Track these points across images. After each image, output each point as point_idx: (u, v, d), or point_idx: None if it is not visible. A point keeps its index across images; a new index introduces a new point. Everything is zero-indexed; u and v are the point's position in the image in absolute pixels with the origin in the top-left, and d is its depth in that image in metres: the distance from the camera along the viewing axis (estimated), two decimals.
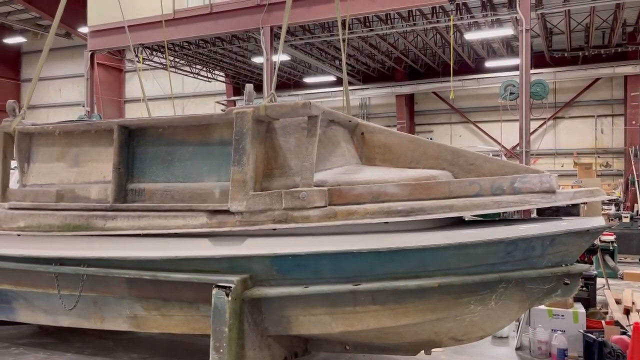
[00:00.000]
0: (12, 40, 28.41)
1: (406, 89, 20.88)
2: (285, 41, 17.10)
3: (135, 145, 4.30)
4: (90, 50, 16.98)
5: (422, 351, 4.09)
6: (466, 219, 4.40)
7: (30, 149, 4.75)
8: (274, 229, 3.71)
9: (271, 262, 3.73)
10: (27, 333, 5.55)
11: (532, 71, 13.14)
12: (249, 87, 4.01)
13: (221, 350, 3.63)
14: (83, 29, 20.88)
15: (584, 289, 5.73)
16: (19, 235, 4.47)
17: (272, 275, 3.77)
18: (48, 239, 4.38)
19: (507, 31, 16.50)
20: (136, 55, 16.56)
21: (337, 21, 5.94)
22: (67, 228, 4.24)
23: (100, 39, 16.71)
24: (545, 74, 18.07)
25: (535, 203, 3.45)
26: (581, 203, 3.65)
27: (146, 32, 15.15)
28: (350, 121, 4.46)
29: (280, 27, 15.58)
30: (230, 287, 3.64)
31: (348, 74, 17.27)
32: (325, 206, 3.60)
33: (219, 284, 3.68)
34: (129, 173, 4.26)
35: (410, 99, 21.71)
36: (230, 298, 3.62)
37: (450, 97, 15.86)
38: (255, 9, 14.12)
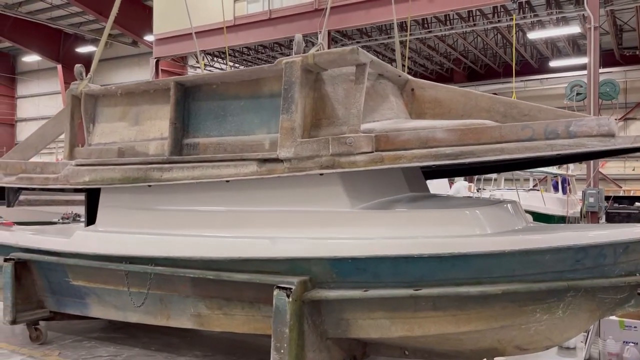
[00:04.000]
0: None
1: None
2: (342, 44, 17.18)
3: (191, 102, 4.47)
4: (155, 57, 17.71)
5: (484, 359, 3.99)
6: (531, 224, 4.27)
7: (95, 110, 5.05)
8: (321, 174, 3.74)
9: (331, 264, 3.75)
10: (97, 327, 5.84)
11: (601, 70, 12.59)
12: (299, 37, 4.08)
13: (282, 351, 3.67)
14: (149, 37, 21.80)
15: None
16: (84, 188, 4.82)
17: (332, 278, 3.79)
18: (119, 237, 4.61)
19: (574, 29, 15.88)
20: (197, 62, 17.12)
21: (395, 23, 5.90)
22: (127, 180, 4.49)
23: (164, 47, 17.39)
24: (615, 73, 17.28)
25: (592, 146, 3.23)
26: None
27: (207, 38, 15.62)
28: (400, 76, 4.43)
29: (338, 31, 15.65)
30: (290, 288, 3.69)
31: None
32: (372, 152, 3.59)
33: (280, 285, 3.73)
34: (184, 128, 4.45)
35: None
36: (291, 299, 3.66)
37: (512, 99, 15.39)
38: (314, 13, 14.26)
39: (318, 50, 3.90)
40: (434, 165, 3.50)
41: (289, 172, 3.83)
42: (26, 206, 6.31)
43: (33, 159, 5.69)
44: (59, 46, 30.32)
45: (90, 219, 5.30)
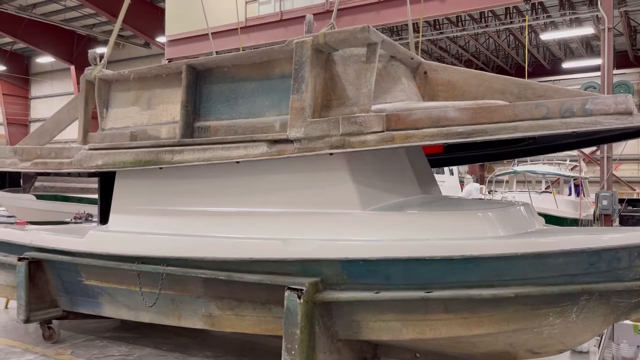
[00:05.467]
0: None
1: None
2: None
3: (202, 85, 4.50)
4: (167, 58, 17.82)
5: None
6: (544, 227, 4.24)
7: (108, 95, 5.10)
8: (331, 154, 3.73)
9: (342, 266, 3.75)
10: (110, 327, 5.88)
11: (615, 71, 12.47)
12: (309, 17, 4.06)
13: (293, 352, 3.68)
14: (161, 39, 21.94)
15: None
16: (96, 172, 4.84)
17: (343, 280, 3.79)
18: (132, 238, 4.64)
19: (587, 30, 15.74)
20: None
21: (405, 24, 5.89)
22: (139, 163, 4.54)
23: (176, 48, 17.50)
24: (630, 75, 17.11)
25: (608, 124, 3.16)
26: None
27: (218, 40, 15.70)
28: (412, 59, 4.40)
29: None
30: (302, 289, 3.69)
31: None
32: (383, 131, 3.56)
33: (291, 286, 3.73)
34: (195, 112, 4.48)
35: None
36: (302, 300, 3.66)
37: None
38: (325, 15, 14.29)
39: (329, 29, 3.87)
40: (446, 143, 3.43)
41: (298, 152, 3.81)
42: (41, 192, 6.41)
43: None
44: (72, 47, 30.62)
45: (103, 206, 5.34)
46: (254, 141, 4.01)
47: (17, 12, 25.75)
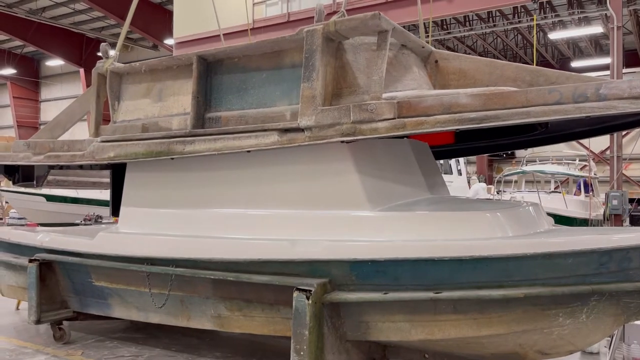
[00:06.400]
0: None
1: None
2: None
3: (213, 76, 4.51)
4: None
5: None
6: (553, 227, 4.21)
7: (120, 88, 5.12)
8: (342, 141, 3.72)
9: (350, 267, 3.75)
10: (119, 328, 5.91)
11: (625, 70, 12.38)
12: (320, 5, 4.06)
13: (301, 353, 3.68)
14: (169, 41, 22.05)
15: None
16: (108, 164, 4.88)
17: (351, 280, 3.79)
18: (141, 239, 4.67)
19: (596, 29, 15.64)
20: None
21: (411, 25, 5.86)
22: (151, 154, 4.57)
23: (184, 50, 17.55)
24: (639, 74, 16.94)
25: (623, 108, 3.12)
26: None
27: (226, 41, 15.72)
28: (423, 47, 4.38)
29: None
30: (310, 290, 3.69)
31: None
32: (394, 118, 3.55)
33: (300, 287, 3.73)
34: (206, 103, 4.49)
35: None
36: (310, 301, 3.66)
37: None
38: (332, 16, 14.27)
39: (340, 17, 3.86)
40: (458, 129, 3.40)
41: (309, 141, 3.81)
42: (54, 186, 6.46)
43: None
44: (81, 50, 30.82)
45: (115, 198, 5.39)
46: (265, 130, 4.01)
47: (27, 15, 25.97)
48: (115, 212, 5.51)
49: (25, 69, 36.01)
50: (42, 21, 26.89)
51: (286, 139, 3.91)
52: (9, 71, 34.02)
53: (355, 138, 3.66)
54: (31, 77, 37.06)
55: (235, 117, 4.29)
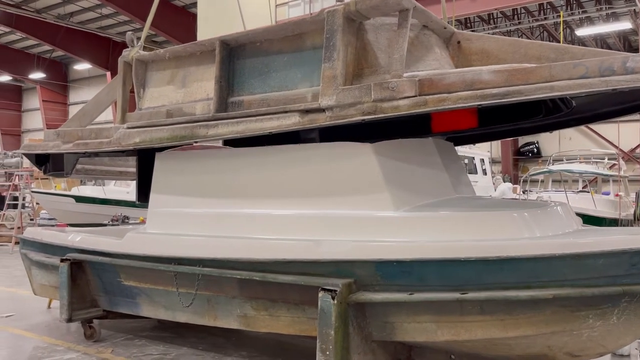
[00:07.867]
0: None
1: None
2: None
3: (235, 60, 4.57)
4: None
5: None
6: (582, 227, 4.14)
7: (145, 75, 5.23)
8: (363, 120, 3.69)
9: (375, 267, 3.74)
10: (147, 327, 6.01)
11: None
12: None
13: (327, 353, 3.69)
14: None
15: None
16: (134, 149, 5.01)
17: (377, 281, 3.78)
18: (168, 239, 4.74)
19: (624, 25, 15.29)
20: None
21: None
22: (175, 139, 4.64)
23: None
24: None
25: None
26: None
27: None
28: (445, 28, 4.35)
29: None
30: (335, 290, 3.70)
31: None
32: (416, 96, 3.52)
33: (325, 287, 3.74)
34: (229, 87, 4.55)
35: None
36: (336, 301, 3.67)
37: None
38: None
39: None
40: (480, 105, 3.35)
41: (330, 120, 3.82)
42: (83, 175, 6.62)
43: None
44: (108, 54, 31.37)
45: (141, 185, 5.50)
46: (286, 112, 4.03)
47: (56, 20, 26.57)
48: (141, 197, 5.64)
49: (54, 73, 36.81)
50: (70, 26, 27.47)
51: (307, 120, 3.92)
52: (39, 75, 34.82)
53: (376, 117, 3.64)
54: (60, 81, 37.87)
55: (258, 101, 4.33)
